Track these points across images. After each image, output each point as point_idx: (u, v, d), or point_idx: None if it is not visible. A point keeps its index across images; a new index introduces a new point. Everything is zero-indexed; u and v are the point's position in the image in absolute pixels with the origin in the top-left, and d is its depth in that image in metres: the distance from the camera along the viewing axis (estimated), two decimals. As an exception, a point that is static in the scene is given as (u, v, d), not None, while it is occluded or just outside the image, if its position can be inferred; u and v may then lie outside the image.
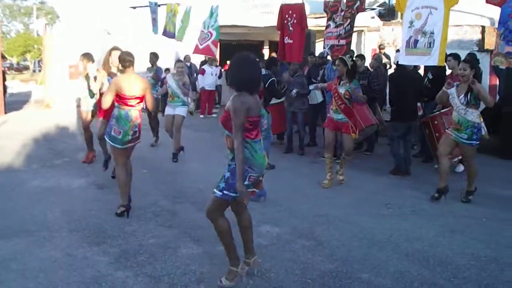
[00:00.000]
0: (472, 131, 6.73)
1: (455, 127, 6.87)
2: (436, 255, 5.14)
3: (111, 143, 6.23)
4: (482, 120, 6.95)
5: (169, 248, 5.26)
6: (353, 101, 7.78)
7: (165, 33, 13.41)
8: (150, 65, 11.94)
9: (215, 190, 4.31)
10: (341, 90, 7.69)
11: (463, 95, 6.71)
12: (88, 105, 8.90)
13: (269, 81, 8.24)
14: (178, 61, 10.17)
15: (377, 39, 16.66)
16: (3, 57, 33.83)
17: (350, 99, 7.69)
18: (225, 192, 4.25)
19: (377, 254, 5.17)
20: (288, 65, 11.68)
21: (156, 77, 11.52)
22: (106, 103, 6.16)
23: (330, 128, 7.92)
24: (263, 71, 7.89)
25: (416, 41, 7.30)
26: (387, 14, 19.63)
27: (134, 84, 6.19)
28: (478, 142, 6.87)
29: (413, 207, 6.81)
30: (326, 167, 8.00)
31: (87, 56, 8.86)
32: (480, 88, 6.63)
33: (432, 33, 7.01)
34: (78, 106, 9.32)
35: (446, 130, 7.13)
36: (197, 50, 12.11)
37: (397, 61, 8.83)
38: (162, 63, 12.68)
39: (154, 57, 11.88)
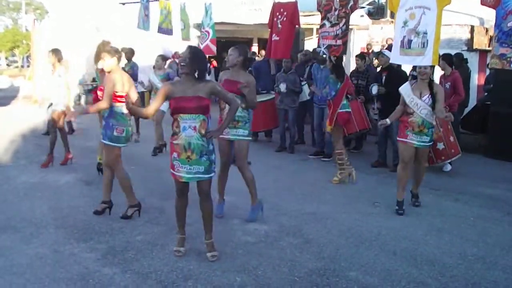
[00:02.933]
0: (432, 132, 6.52)
1: (418, 129, 6.40)
2: (424, 254, 5.16)
3: (115, 144, 5.96)
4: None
5: (156, 245, 5.24)
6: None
7: (161, 30, 13.27)
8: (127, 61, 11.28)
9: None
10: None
11: (427, 95, 6.35)
12: (61, 105, 8.55)
13: None
14: (158, 56, 10.33)
15: (366, 37, 16.69)
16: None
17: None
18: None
19: (365, 252, 5.18)
20: (266, 62, 11.78)
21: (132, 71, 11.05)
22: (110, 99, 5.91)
23: None
24: None
25: (410, 41, 7.27)
26: (376, 13, 19.76)
27: (124, 80, 6.04)
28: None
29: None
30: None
31: (58, 53, 8.70)
32: (439, 91, 6.40)
33: (425, 33, 6.97)
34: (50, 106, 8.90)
35: (404, 139, 6.52)
36: None
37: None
38: (151, 60, 12.60)
39: (130, 52, 11.40)
